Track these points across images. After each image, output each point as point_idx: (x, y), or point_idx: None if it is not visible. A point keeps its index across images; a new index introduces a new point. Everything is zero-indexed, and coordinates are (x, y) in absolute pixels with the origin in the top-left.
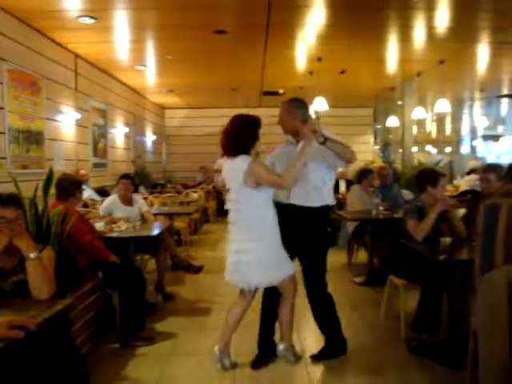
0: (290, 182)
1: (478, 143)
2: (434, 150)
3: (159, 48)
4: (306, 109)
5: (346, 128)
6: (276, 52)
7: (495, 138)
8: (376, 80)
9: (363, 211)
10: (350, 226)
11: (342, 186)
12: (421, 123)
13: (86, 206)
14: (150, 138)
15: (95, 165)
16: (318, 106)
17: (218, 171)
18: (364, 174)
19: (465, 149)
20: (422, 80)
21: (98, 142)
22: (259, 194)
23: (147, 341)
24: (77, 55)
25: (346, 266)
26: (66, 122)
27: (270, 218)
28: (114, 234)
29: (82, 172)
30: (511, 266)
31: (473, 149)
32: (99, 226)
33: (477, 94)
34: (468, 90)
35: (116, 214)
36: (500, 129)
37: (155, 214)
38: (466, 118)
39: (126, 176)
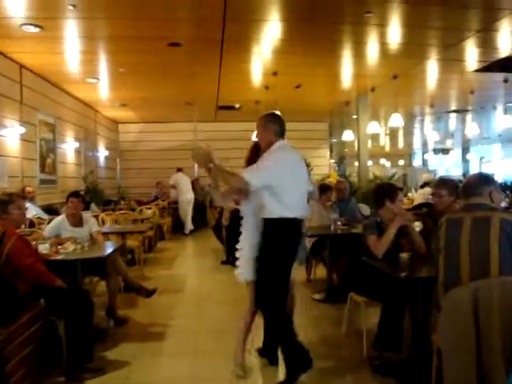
0: None
1: (430, 156)
2: (387, 164)
3: (111, 60)
4: (280, 123)
5: (303, 142)
6: (231, 66)
7: (445, 151)
8: (331, 94)
9: (322, 226)
10: (309, 242)
11: None
12: (375, 137)
13: (32, 225)
14: (102, 153)
15: (43, 181)
16: None
17: (175, 187)
18: (323, 189)
19: (417, 162)
20: (376, 95)
21: (47, 157)
22: None
23: (96, 372)
24: (22, 66)
25: (304, 282)
26: (11, 137)
27: None
28: (60, 257)
29: (29, 189)
30: (476, 282)
31: (424, 162)
32: (43, 247)
33: (427, 109)
34: (419, 105)
35: (64, 236)
36: (449, 142)
37: (107, 233)
38: (417, 132)
39: (74, 194)
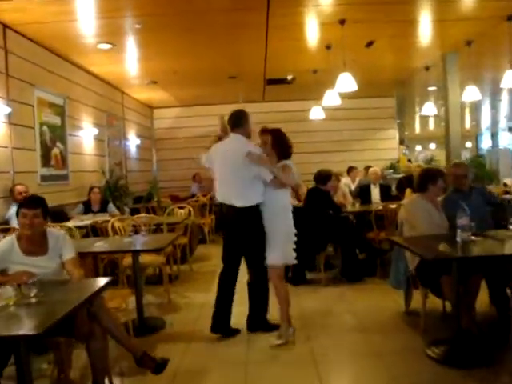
0: None
1: (504, 135)
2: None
3: (130, 17)
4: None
5: (366, 122)
6: (282, 20)
7: None
8: (408, 55)
9: (438, 237)
10: (413, 259)
11: (375, 193)
12: (440, 116)
13: None
14: (133, 141)
15: (46, 177)
16: (344, 85)
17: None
18: (431, 176)
19: (485, 143)
20: (474, 50)
21: (52, 147)
22: None
23: None
24: (5, 25)
25: (401, 316)
26: None
27: None
28: None
29: (19, 188)
30: None
31: (495, 142)
32: None
33: None
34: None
35: (14, 270)
36: None
37: (98, 253)
38: (486, 108)
39: (29, 202)
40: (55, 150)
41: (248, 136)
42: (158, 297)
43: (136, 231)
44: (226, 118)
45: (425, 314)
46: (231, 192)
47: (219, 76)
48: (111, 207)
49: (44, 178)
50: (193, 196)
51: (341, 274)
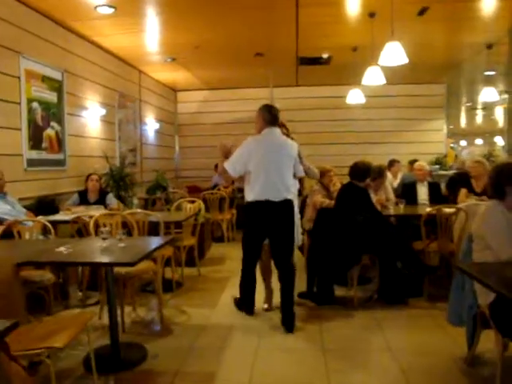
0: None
1: None
2: (501, 142)
3: None
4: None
5: (411, 111)
6: None
7: None
8: (466, 28)
9: None
10: (486, 293)
11: (422, 192)
12: (490, 109)
13: None
14: (152, 126)
15: (34, 162)
16: (391, 57)
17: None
18: (509, 176)
19: None
20: None
21: (44, 127)
22: None
23: None
24: None
25: (462, 364)
26: None
27: None
28: None
29: None
30: None
31: None
32: None
33: None
34: None
35: None
36: None
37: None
38: None
39: None
40: (49, 131)
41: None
42: (150, 312)
43: (129, 231)
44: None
45: (502, 368)
46: (281, 186)
47: (244, 53)
48: (110, 198)
49: (32, 163)
50: (214, 187)
51: (378, 293)
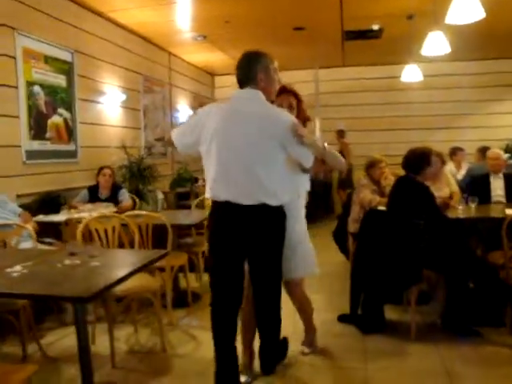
0: None
1: None
2: None
3: None
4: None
5: (476, 91)
6: None
7: None
8: None
9: None
10: None
11: (497, 186)
12: None
13: None
14: (185, 113)
15: (35, 154)
16: (459, 15)
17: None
18: None
19: None
20: None
21: (49, 114)
22: None
23: None
24: None
25: None
26: None
27: None
28: None
29: None
30: None
31: None
32: None
33: None
34: None
35: None
36: None
37: None
38: None
39: None
40: (55, 119)
41: (269, 95)
42: (153, 336)
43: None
44: None
45: None
46: (252, 186)
47: (282, 27)
48: (123, 194)
49: (32, 155)
50: None
51: (442, 320)
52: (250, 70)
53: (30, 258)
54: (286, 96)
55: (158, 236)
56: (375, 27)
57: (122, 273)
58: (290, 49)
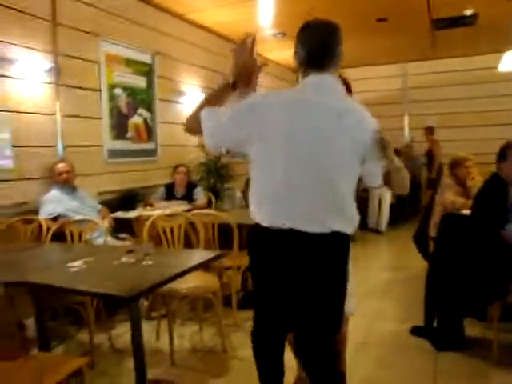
0: None
1: None
2: None
3: None
4: (312, 40)
5: None
6: None
7: None
8: None
9: None
10: None
11: None
12: None
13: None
14: None
15: (116, 153)
16: None
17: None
18: None
19: None
20: None
21: (130, 114)
22: None
23: None
24: None
25: None
26: (27, 80)
27: None
28: None
29: (61, 167)
30: None
31: None
32: None
33: None
34: None
35: None
36: None
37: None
38: None
39: None
40: (136, 119)
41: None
42: (216, 336)
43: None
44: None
45: None
46: (327, 203)
47: (364, 19)
48: (198, 192)
49: (114, 154)
50: None
51: None
52: (333, 48)
53: (93, 254)
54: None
55: (225, 235)
56: (468, 12)
57: (170, 273)
58: (374, 42)
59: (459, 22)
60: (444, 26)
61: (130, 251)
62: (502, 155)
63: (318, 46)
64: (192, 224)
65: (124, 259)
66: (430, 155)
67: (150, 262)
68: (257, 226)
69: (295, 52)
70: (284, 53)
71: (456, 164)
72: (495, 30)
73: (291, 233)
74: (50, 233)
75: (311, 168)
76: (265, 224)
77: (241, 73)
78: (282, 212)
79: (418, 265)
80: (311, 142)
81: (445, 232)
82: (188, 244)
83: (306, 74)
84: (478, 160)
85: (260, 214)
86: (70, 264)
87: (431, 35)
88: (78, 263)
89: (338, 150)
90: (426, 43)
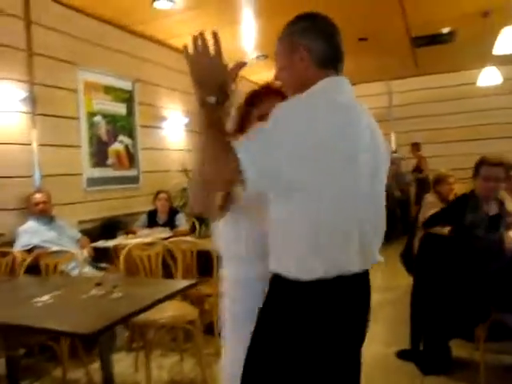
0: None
1: None
2: None
3: None
4: (329, 35)
5: None
6: None
7: None
8: None
9: None
10: None
11: None
12: None
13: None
14: None
15: (96, 181)
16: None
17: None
18: None
19: None
20: None
21: (110, 142)
22: None
23: None
24: None
25: None
26: (1, 110)
27: None
28: None
29: (38, 197)
30: None
31: None
32: None
33: None
34: None
35: None
36: None
37: None
38: None
39: None
40: (116, 146)
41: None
42: (197, 366)
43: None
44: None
45: None
46: (377, 239)
47: (346, 38)
48: (179, 218)
49: (93, 182)
50: None
51: None
52: (341, 48)
53: (64, 287)
54: (275, 99)
55: (207, 262)
56: (445, 30)
57: (139, 305)
58: (358, 61)
59: (437, 39)
60: (423, 44)
61: (98, 284)
62: (475, 172)
63: (340, 42)
64: (170, 251)
65: (93, 292)
66: (419, 171)
67: (120, 294)
68: (304, 288)
69: (305, 47)
70: (266, 74)
71: (439, 180)
72: (474, 46)
73: (357, 279)
74: (24, 265)
75: (368, 200)
76: (328, 274)
77: (206, 80)
78: (351, 255)
79: (406, 283)
80: (365, 170)
81: (425, 252)
82: (167, 272)
83: (322, 75)
84: (466, 175)
85: (316, 259)
86: (36, 299)
87: (412, 53)
88: (44, 298)
89: (382, 178)
90: (409, 61)
